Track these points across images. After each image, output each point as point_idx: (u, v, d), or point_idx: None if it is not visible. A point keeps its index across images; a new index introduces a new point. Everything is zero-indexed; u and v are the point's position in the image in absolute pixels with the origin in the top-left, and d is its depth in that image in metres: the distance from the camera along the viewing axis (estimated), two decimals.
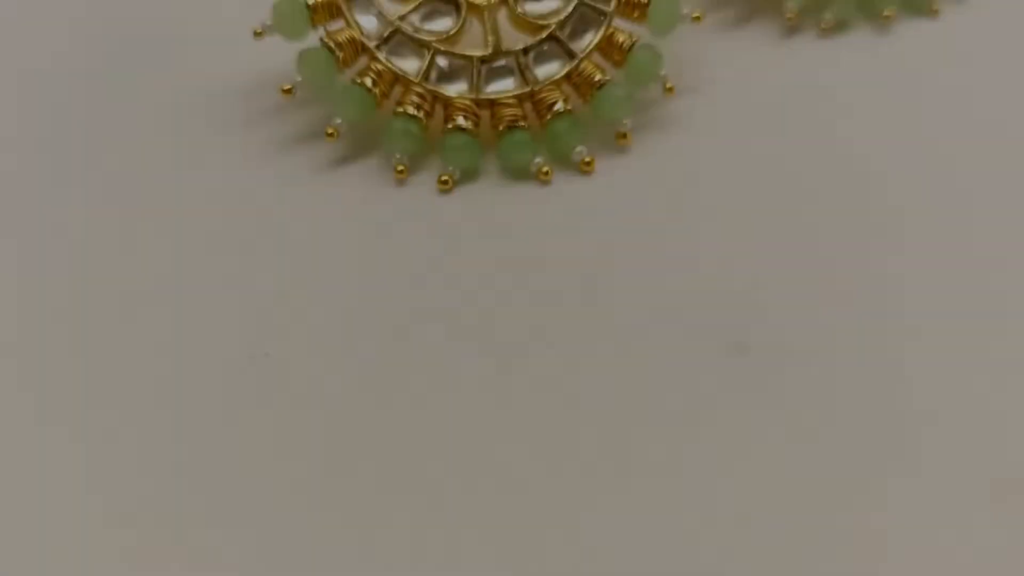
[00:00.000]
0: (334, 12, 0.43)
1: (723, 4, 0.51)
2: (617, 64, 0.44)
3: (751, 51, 0.49)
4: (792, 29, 0.50)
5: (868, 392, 0.39)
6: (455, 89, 0.43)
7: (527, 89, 0.43)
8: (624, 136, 0.44)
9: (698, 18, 0.45)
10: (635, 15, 0.45)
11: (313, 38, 0.43)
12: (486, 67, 0.43)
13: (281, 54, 0.45)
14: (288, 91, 0.43)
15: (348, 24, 0.43)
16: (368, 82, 0.42)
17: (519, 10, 0.43)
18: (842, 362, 0.39)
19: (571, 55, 0.44)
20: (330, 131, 0.42)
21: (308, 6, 0.43)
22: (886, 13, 0.50)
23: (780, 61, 0.49)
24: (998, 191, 0.45)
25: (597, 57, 0.44)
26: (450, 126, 0.43)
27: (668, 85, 0.45)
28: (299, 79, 0.43)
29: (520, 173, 0.44)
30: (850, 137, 0.47)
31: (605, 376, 0.39)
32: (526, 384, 0.39)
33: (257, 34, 0.43)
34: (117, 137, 0.45)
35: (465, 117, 0.43)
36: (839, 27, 0.51)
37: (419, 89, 0.43)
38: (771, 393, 0.38)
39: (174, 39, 0.48)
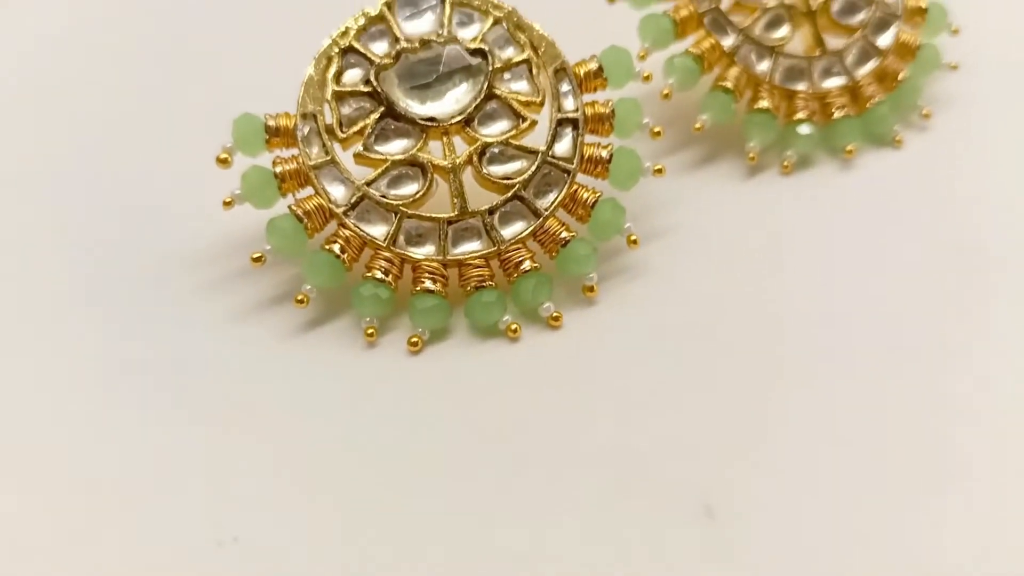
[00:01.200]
0: (302, 180, 0.44)
1: (686, 143, 0.52)
2: (581, 219, 0.45)
3: (715, 191, 0.50)
4: (755, 168, 0.52)
5: (834, 552, 0.39)
6: (423, 252, 0.44)
7: (494, 249, 0.44)
8: (591, 289, 0.45)
9: (660, 171, 0.46)
10: (597, 171, 0.46)
11: (283, 204, 0.45)
12: (453, 228, 0.44)
13: (257, 214, 0.45)
14: (258, 259, 0.43)
15: (316, 191, 0.44)
16: (336, 248, 0.43)
17: (484, 171, 0.45)
18: (808, 526, 0.39)
19: (536, 213, 0.45)
20: (300, 298, 0.43)
21: (276, 175, 0.44)
22: (848, 148, 0.52)
23: (744, 200, 0.50)
24: (970, 330, 0.46)
25: (562, 213, 0.45)
26: (418, 288, 0.43)
27: (632, 238, 0.45)
28: (269, 247, 0.44)
29: (489, 331, 0.45)
30: (816, 276, 0.47)
31: (572, 537, 0.39)
32: (497, 546, 0.39)
33: (227, 204, 0.44)
34: (88, 302, 0.45)
35: (432, 279, 0.43)
36: (802, 164, 0.52)
37: (387, 253, 0.44)
38: (737, 561, 0.38)
39: (149, 205, 0.48)
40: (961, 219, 0.50)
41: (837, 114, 0.51)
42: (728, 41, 0.50)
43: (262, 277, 0.45)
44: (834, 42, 0.52)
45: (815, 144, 0.51)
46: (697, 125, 0.50)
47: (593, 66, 0.46)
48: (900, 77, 0.52)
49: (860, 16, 0.52)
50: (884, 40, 0.52)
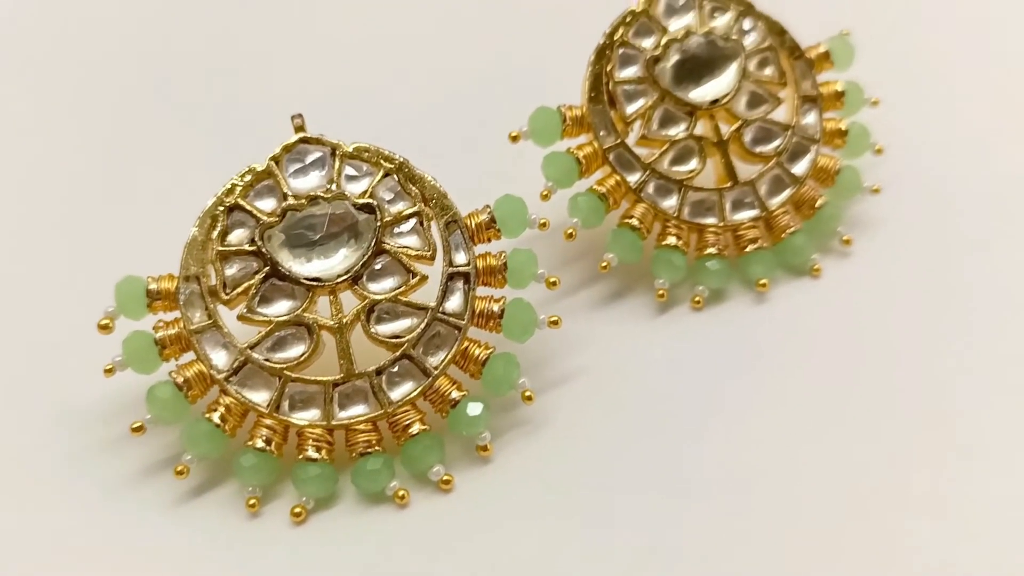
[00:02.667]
0: (184, 345, 0.43)
1: (594, 279, 0.50)
2: (474, 376, 0.44)
3: (623, 330, 0.49)
4: (666, 304, 0.50)
5: None
6: (307, 417, 0.42)
7: (381, 412, 0.43)
8: (484, 448, 0.44)
9: (555, 323, 0.45)
10: (490, 325, 0.45)
11: (165, 370, 0.43)
12: (339, 391, 0.43)
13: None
14: (138, 429, 0.42)
15: (198, 357, 0.43)
16: (216, 417, 0.42)
17: (372, 330, 0.43)
18: None
19: (426, 372, 0.43)
20: (179, 469, 0.42)
21: (156, 341, 0.43)
22: (761, 282, 0.50)
23: (653, 339, 0.48)
24: (895, 468, 0.45)
25: (454, 370, 0.44)
26: (301, 457, 0.43)
27: (527, 393, 0.44)
28: (150, 416, 0.43)
29: (377, 497, 0.43)
30: (725, 419, 0.45)
31: None
32: None
33: (107, 371, 0.43)
34: None
35: (317, 447, 0.42)
36: (715, 298, 0.50)
37: (269, 420, 0.42)
38: None
39: (32, 363, 0.47)
40: (882, 351, 0.48)
41: (750, 248, 0.50)
42: (634, 177, 0.49)
43: (148, 439, 0.44)
44: (748, 170, 0.51)
45: (727, 279, 0.49)
46: (603, 264, 0.49)
47: (484, 217, 0.45)
48: (818, 204, 0.51)
49: (775, 143, 0.50)
50: (800, 167, 0.51)
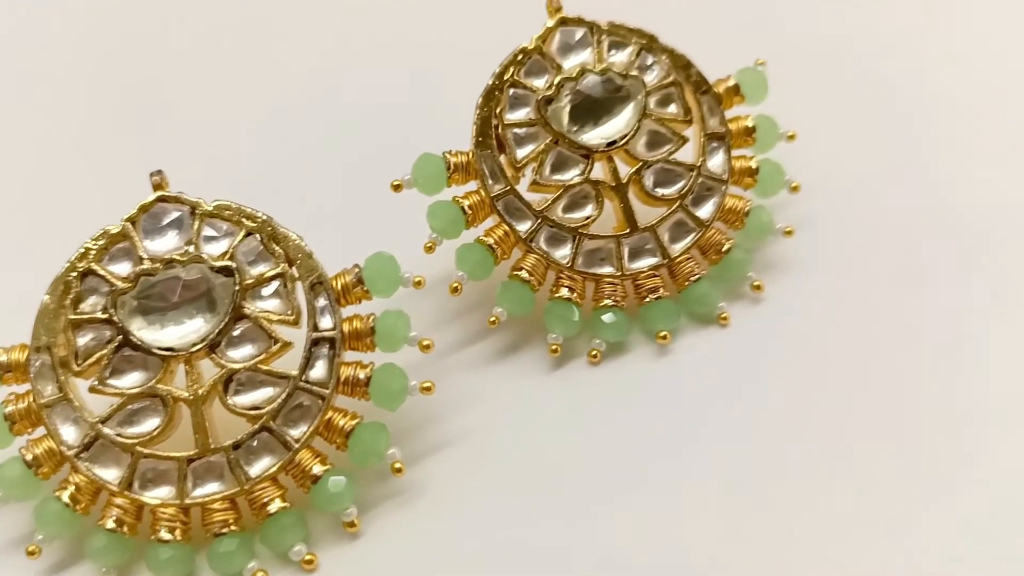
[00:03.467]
0: (34, 420, 0.41)
1: (486, 333, 0.48)
2: (340, 447, 0.41)
3: (515, 387, 0.46)
4: (561, 358, 0.47)
5: None
6: (159, 495, 0.40)
7: (238, 489, 0.40)
8: (351, 524, 0.41)
9: (428, 389, 0.42)
10: (357, 392, 0.41)
11: (20, 442, 0.41)
12: (193, 468, 0.40)
13: None
14: None
15: (48, 432, 0.41)
16: (66, 497, 0.40)
17: (229, 401, 0.41)
18: None
19: (287, 446, 0.41)
20: (31, 549, 0.40)
21: (5, 416, 0.41)
22: (662, 334, 0.47)
23: (546, 397, 0.45)
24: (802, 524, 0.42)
25: (319, 441, 0.42)
26: (154, 538, 0.40)
27: (396, 465, 0.41)
28: (0, 493, 0.41)
29: None
30: (621, 488, 0.42)
31: None
32: None
33: None
34: None
35: (170, 527, 0.40)
36: (615, 350, 0.47)
37: (120, 499, 0.40)
38: None
39: None
40: (791, 402, 0.45)
41: (650, 297, 0.47)
42: (524, 226, 0.46)
43: (3, 515, 0.42)
44: (650, 215, 0.48)
45: (625, 332, 0.46)
46: (491, 319, 0.46)
47: (351, 278, 0.42)
48: (725, 249, 0.48)
49: (678, 186, 0.47)
50: (706, 210, 0.48)
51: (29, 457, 0.40)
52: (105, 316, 0.41)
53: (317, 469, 0.41)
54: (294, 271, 0.42)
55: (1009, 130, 0.55)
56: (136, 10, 0.63)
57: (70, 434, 0.41)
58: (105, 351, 0.41)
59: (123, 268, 0.42)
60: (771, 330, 0.48)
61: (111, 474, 0.40)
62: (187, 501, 0.40)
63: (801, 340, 0.47)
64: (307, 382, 0.41)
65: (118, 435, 0.41)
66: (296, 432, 0.41)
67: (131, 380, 0.41)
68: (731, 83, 0.49)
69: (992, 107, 0.56)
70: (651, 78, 0.48)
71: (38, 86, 0.60)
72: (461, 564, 0.41)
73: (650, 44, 0.48)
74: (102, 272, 0.41)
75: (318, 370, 0.42)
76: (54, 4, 0.64)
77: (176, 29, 0.62)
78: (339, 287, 0.42)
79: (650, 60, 0.48)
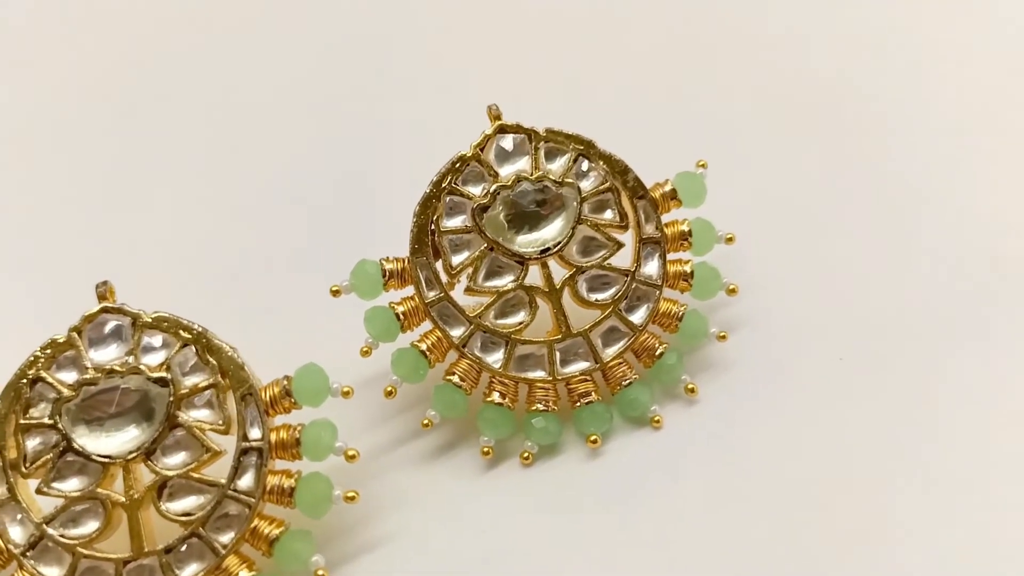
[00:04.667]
0: None
1: (419, 433, 0.49)
2: (265, 554, 0.43)
3: (445, 489, 0.47)
4: (495, 460, 0.49)
5: None
6: None
7: None
8: None
9: (352, 498, 0.44)
10: (284, 501, 0.43)
11: None
12: (128, 570, 0.42)
13: None
14: None
15: None
16: None
17: (163, 507, 0.43)
18: None
19: (215, 551, 0.42)
20: None
21: None
22: (592, 438, 0.48)
23: (477, 500, 0.47)
24: None
25: (247, 548, 0.43)
26: None
27: (319, 572, 0.43)
28: None
29: None
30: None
31: None
32: None
33: None
34: None
35: None
36: (548, 452, 0.48)
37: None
38: None
39: None
40: (725, 505, 0.46)
41: (582, 402, 0.48)
42: (458, 332, 0.47)
43: None
44: (583, 318, 0.49)
45: (556, 435, 0.48)
46: (424, 421, 0.48)
47: (278, 390, 0.44)
48: (658, 352, 0.48)
49: (612, 291, 0.48)
50: (639, 315, 0.48)
51: None
52: (51, 422, 0.44)
53: (243, 575, 0.43)
54: (226, 382, 0.44)
55: (945, 230, 0.54)
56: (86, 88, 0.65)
57: (17, 533, 0.43)
58: (51, 455, 0.43)
59: (69, 376, 0.44)
60: (704, 432, 0.48)
61: (54, 573, 0.43)
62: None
63: (734, 443, 0.48)
64: (235, 490, 0.43)
65: (61, 535, 0.43)
66: (224, 538, 0.43)
67: (73, 484, 0.43)
68: (668, 188, 0.50)
69: (928, 203, 0.55)
70: (587, 184, 0.49)
71: None
72: None
73: (587, 150, 0.49)
74: (50, 380, 0.44)
75: (246, 479, 0.44)
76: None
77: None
78: (267, 398, 0.44)
79: (586, 166, 0.49)
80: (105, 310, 0.45)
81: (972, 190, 0.56)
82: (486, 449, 0.48)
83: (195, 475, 0.44)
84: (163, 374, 0.44)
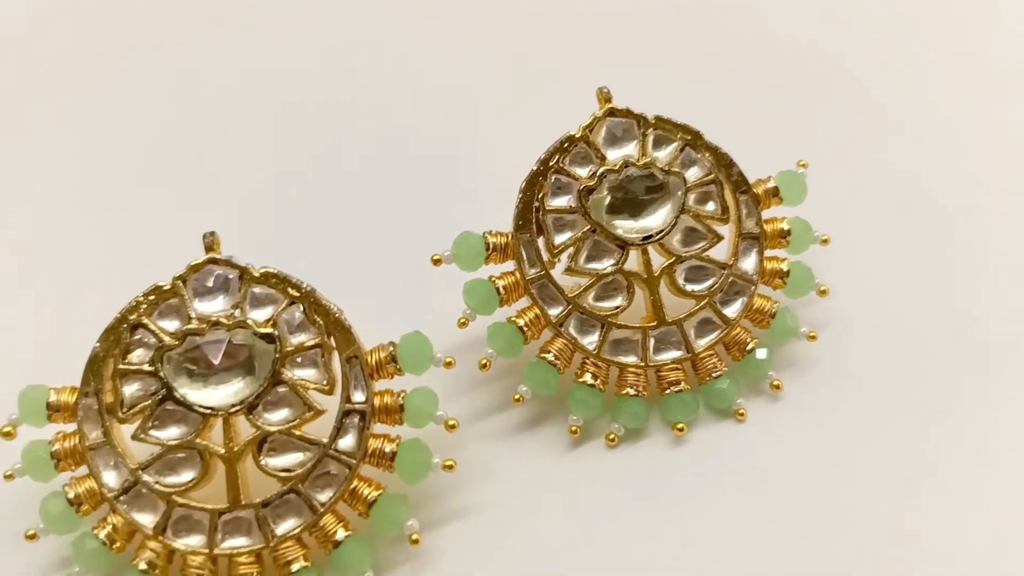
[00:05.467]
0: (78, 459, 0.44)
1: (507, 406, 0.49)
2: (362, 515, 0.43)
3: (530, 463, 0.48)
4: (579, 439, 0.49)
5: None
6: (190, 543, 0.42)
7: (263, 545, 0.43)
8: None
9: (450, 467, 0.44)
10: (383, 465, 0.44)
11: (64, 477, 0.44)
12: (223, 520, 0.43)
13: None
14: (32, 537, 0.43)
15: (91, 473, 0.43)
16: (104, 536, 0.43)
17: (262, 462, 0.43)
18: None
19: (312, 508, 0.43)
20: None
21: (52, 454, 0.44)
22: (679, 426, 0.49)
23: (560, 476, 0.47)
24: None
25: (343, 507, 0.44)
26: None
27: (413, 536, 0.44)
28: (42, 526, 0.44)
29: None
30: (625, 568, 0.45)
31: None
32: None
33: (7, 477, 0.44)
34: None
35: (198, 575, 0.43)
36: (632, 436, 0.49)
37: (154, 543, 0.43)
38: None
39: None
40: (803, 502, 0.47)
41: (671, 390, 0.48)
42: (555, 311, 0.48)
43: (43, 544, 0.45)
44: (678, 307, 0.50)
45: (644, 420, 0.48)
46: (516, 396, 0.48)
47: (384, 355, 0.44)
48: (748, 348, 0.49)
49: (708, 283, 0.49)
50: (733, 309, 0.49)
51: (71, 495, 0.43)
52: (151, 369, 0.43)
53: (340, 534, 0.43)
54: (332, 342, 0.44)
55: None
56: (164, 62, 0.65)
57: (111, 477, 0.43)
58: (149, 402, 0.43)
59: (171, 324, 0.44)
60: (786, 429, 0.49)
61: (147, 519, 0.43)
62: (216, 551, 0.43)
63: (815, 442, 0.49)
64: (336, 450, 0.44)
65: (156, 483, 0.43)
66: (322, 496, 0.44)
67: (171, 433, 0.43)
68: (770, 184, 0.51)
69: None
70: (692, 174, 0.49)
71: (73, 138, 0.62)
72: None
73: (694, 141, 0.50)
74: (152, 327, 0.44)
75: (347, 440, 0.44)
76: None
77: (212, 80, 0.64)
78: (373, 362, 0.44)
79: (693, 156, 0.49)
80: (212, 261, 0.45)
81: None
82: (574, 428, 0.48)
83: (296, 432, 0.44)
84: (270, 330, 0.44)
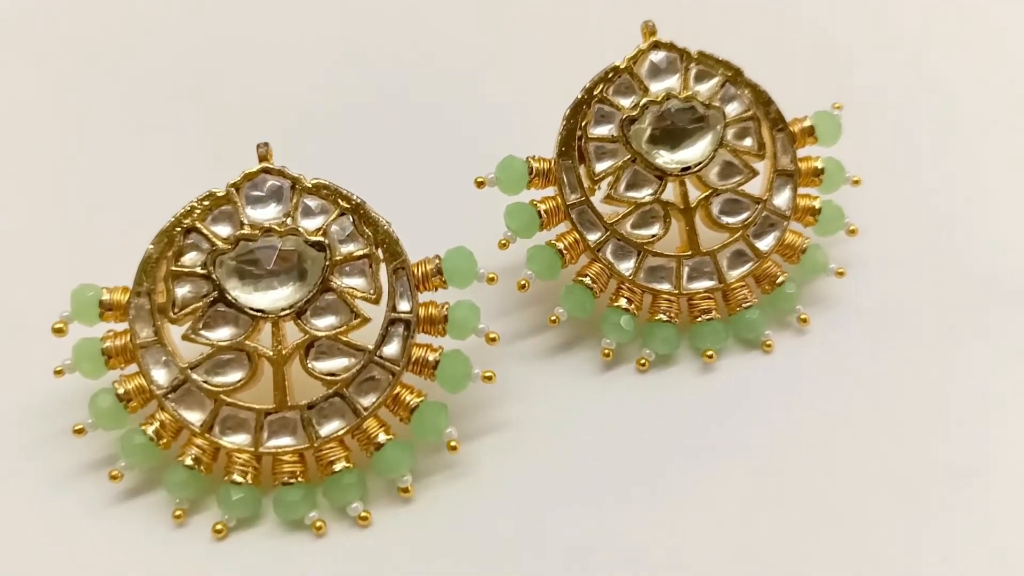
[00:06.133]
0: (128, 357, 0.45)
1: (543, 329, 0.51)
2: (403, 420, 0.45)
3: (564, 384, 0.49)
4: (611, 363, 0.51)
5: None
6: (236, 441, 0.44)
7: (308, 445, 0.44)
8: (405, 490, 0.45)
9: (489, 378, 0.46)
10: (425, 372, 0.46)
11: (113, 375, 0.46)
12: (269, 420, 0.44)
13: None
14: (79, 431, 0.45)
15: (140, 371, 0.45)
16: (151, 431, 0.44)
17: (308, 365, 0.45)
18: None
19: (356, 412, 0.45)
20: (114, 474, 0.44)
21: (103, 351, 0.45)
22: (708, 353, 0.50)
23: (592, 397, 0.49)
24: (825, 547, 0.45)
25: (384, 412, 0.45)
26: (226, 479, 0.44)
27: (451, 443, 0.45)
28: (91, 421, 0.45)
29: (296, 524, 0.45)
30: (649, 483, 0.46)
31: None
32: None
33: (58, 372, 0.45)
34: None
35: (243, 471, 0.44)
36: (662, 362, 0.51)
37: (200, 440, 0.45)
38: None
39: None
40: (823, 433, 0.48)
41: (702, 318, 0.50)
42: (594, 236, 0.49)
43: (90, 436, 0.46)
44: (712, 239, 0.51)
45: (675, 346, 0.50)
46: (552, 317, 0.49)
47: (432, 267, 0.46)
48: (779, 281, 0.51)
49: (743, 216, 0.50)
50: (766, 243, 0.50)
51: (120, 391, 0.45)
52: (204, 272, 0.45)
53: (381, 437, 0.45)
54: (380, 253, 0.46)
55: None
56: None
57: (160, 375, 0.45)
58: (200, 304, 0.45)
59: (224, 230, 0.45)
60: (812, 362, 0.51)
61: (194, 416, 0.45)
62: (261, 450, 0.44)
63: (839, 375, 0.50)
64: (381, 357, 0.45)
65: (205, 382, 0.45)
66: (366, 401, 0.45)
67: (221, 334, 0.45)
68: (807, 124, 0.52)
69: None
70: (732, 110, 0.51)
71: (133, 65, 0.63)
72: (496, 540, 0.44)
73: (735, 77, 0.51)
74: (205, 231, 0.45)
75: (392, 347, 0.45)
76: None
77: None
78: (419, 274, 0.46)
79: (733, 92, 0.51)
80: (265, 170, 0.46)
81: None
82: (607, 351, 0.50)
83: (342, 338, 0.45)
84: (320, 239, 0.45)
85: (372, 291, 0.45)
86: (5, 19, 0.66)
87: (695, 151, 0.50)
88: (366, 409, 0.45)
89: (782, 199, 0.51)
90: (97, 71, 0.63)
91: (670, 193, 0.50)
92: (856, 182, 0.53)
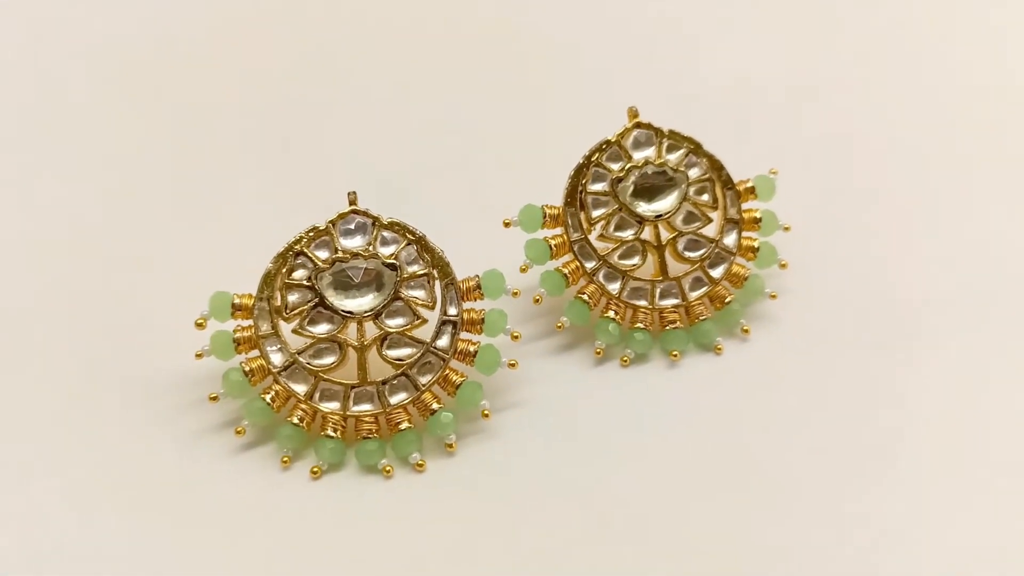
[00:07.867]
0: (252, 345, 0.61)
1: (550, 335, 0.67)
2: (450, 394, 0.61)
3: (566, 375, 0.65)
4: (601, 360, 0.67)
5: None
6: (330, 406, 0.60)
7: (381, 410, 0.60)
8: (450, 446, 0.61)
9: (513, 364, 0.62)
10: (467, 360, 0.62)
11: (237, 360, 0.61)
12: (355, 392, 0.60)
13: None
14: (214, 399, 0.60)
15: (261, 355, 0.60)
16: (268, 398, 0.60)
17: (383, 352, 0.61)
18: None
19: (416, 387, 0.60)
20: (239, 429, 0.60)
21: (234, 340, 0.60)
22: (673, 352, 0.66)
23: (587, 384, 0.65)
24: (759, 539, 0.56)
25: (437, 388, 0.61)
26: (322, 433, 0.60)
27: (485, 412, 0.61)
28: (223, 391, 0.61)
29: (371, 469, 0.60)
30: (636, 454, 0.61)
31: None
32: None
33: (198, 356, 0.61)
34: (63, 420, 0.61)
35: (334, 428, 0.60)
36: (639, 360, 0.67)
37: (304, 406, 0.60)
38: None
39: (135, 332, 0.66)
40: (766, 419, 0.63)
41: (669, 327, 0.66)
42: (590, 264, 0.66)
43: (217, 408, 0.61)
44: (677, 269, 0.68)
45: (649, 347, 0.66)
46: (558, 324, 0.66)
47: (473, 283, 0.62)
48: (727, 301, 0.67)
49: (701, 252, 0.67)
50: (718, 272, 0.67)
51: (247, 369, 0.60)
52: (309, 284, 0.61)
53: (435, 406, 0.61)
54: (435, 273, 0.62)
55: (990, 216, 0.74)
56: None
57: (276, 358, 0.60)
58: (306, 307, 0.60)
59: (323, 254, 0.61)
60: (753, 362, 0.66)
61: (300, 388, 0.60)
62: (348, 413, 0.60)
63: (774, 375, 0.65)
64: (435, 348, 0.61)
65: (308, 363, 0.60)
66: (423, 379, 0.61)
67: (321, 329, 0.60)
68: (749, 184, 0.69)
69: (980, 188, 0.76)
70: (693, 173, 0.67)
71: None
72: (517, 486, 0.59)
73: (696, 149, 0.68)
74: (310, 254, 0.61)
75: (443, 341, 0.61)
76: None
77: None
78: (464, 288, 0.62)
79: (694, 160, 0.68)
80: (353, 211, 0.62)
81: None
82: (599, 351, 0.66)
83: (407, 334, 0.61)
84: (393, 261, 0.61)
85: (429, 300, 0.61)
86: (132, 68, 0.84)
87: (666, 203, 0.66)
88: (424, 385, 0.61)
89: (730, 240, 0.68)
90: (214, 123, 0.82)
91: (647, 234, 0.67)
92: (787, 228, 0.70)
